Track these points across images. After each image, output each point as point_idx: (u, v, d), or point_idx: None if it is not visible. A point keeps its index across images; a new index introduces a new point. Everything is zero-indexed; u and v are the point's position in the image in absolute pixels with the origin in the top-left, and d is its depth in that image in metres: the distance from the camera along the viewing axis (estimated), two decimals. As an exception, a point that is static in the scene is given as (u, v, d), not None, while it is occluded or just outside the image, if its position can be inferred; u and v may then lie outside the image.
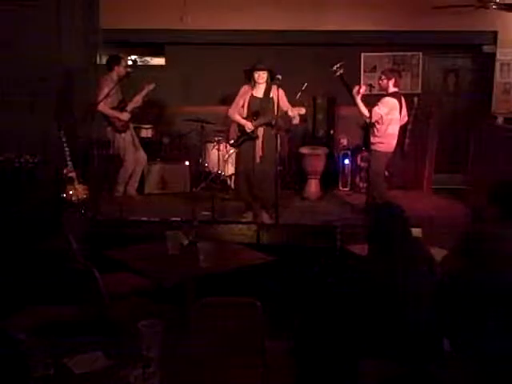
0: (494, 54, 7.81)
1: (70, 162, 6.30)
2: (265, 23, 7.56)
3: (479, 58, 8.08)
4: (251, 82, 5.78)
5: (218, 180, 7.08)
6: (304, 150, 7.18)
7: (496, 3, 6.66)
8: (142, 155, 6.89)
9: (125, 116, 6.57)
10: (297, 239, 5.71)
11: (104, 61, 7.51)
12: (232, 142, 6.04)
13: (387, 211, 3.04)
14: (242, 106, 5.84)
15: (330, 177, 7.53)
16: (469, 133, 7.25)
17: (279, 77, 5.62)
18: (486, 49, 7.90)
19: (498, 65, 7.82)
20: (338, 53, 7.26)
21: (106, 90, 6.29)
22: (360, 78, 8.03)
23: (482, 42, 7.88)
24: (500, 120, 7.26)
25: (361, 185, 7.47)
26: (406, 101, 6.17)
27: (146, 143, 7.14)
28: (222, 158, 7.05)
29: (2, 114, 6.91)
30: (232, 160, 7.13)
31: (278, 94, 5.59)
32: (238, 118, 5.85)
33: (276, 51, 7.29)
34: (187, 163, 7.41)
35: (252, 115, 5.78)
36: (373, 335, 2.79)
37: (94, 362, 2.28)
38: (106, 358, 2.30)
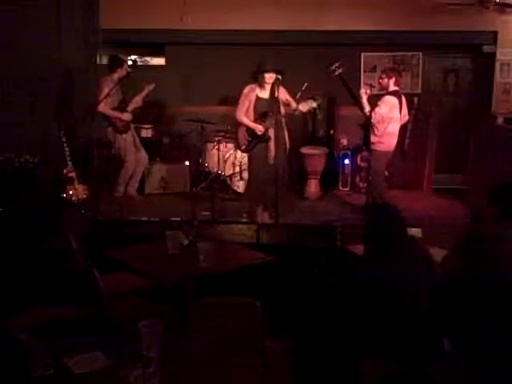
0: (494, 54, 7.81)
1: (69, 162, 6.30)
2: (265, 23, 7.56)
3: (479, 58, 8.08)
4: (259, 82, 5.71)
5: (218, 180, 7.08)
6: (304, 150, 7.18)
7: (496, 3, 6.66)
8: (144, 155, 6.89)
9: (126, 116, 6.57)
10: (297, 239, 5.71)
11: (104, 61, 7.51)
12: (243, 147, 5.93)
13: (383, 212, 3.04)
14: (248, 108, 5.81)
15: (330, 177, 7.53)
16: (469, 133, 7.25)
17: (279, 77, 5.62)
18: (486, 49, 7.90)
19: (497, 65, 7.82)
20: (337, 53, 7.25)
21: (106, 91, 6.29)
22: (360, 78, 8.04)
23: (482, 42, 7.88)
24: (500, 120, 7.26)
25: (361, 185, 7.47)
26: (406, 100, 6.17)
27: (146, 143, 7.14)
28: (221, 158, 7.04)
29: (2, 114, 6.91)
30: (232, 160, 7.14)
31: (280, 92, 5.59)
32: (246, 121, 5.77)
33: (276, 51, 7.27)
34: (187, 163, 7.41)
35: (260, 117, 5.75)
36: (373, 335, 2.79)
37: (94, 362, 2.28)
38: (106, 358, 2.30)
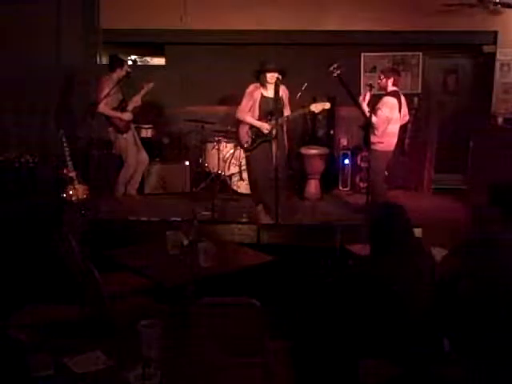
0: (494, 54, 7.81)
1: (69, 162, 6.31)
2: (265, 23, 7.56)
3: (479, 58, 8.08)
4: (261, 82, 5.71)
5: (218, 180, 7.08)
6: (304, 150, 7.18)
7: (496, 3, 6.67)
8: (144, 155, 6.89)
9: (126, 116, 6.56)
10: (297, 239, 5.71)
11: (104, 61, 7.51)
12: (247, 145, 5.91)
13: (388, 211, 3.04)
14: (252, 107, 5.80)
15: (330, 177, 7.53)
16: (469, 133, 7.25)
17: (279, 76, 5.61)
18: (486, 49, 7.89)
19: (497, 65, 7.82)
20: (338, 53, 7.26)
21: (106, 91, 6.29)
22: (360, 78, 8.04)
23: (482, 42, 7.88)
24: (500, 120, 7.27)
25: (361, 185, 7.48)
26: (405, 100, 6.17)
27: (146, 143, 7.14)
28: (221, 158, 7.04)
29: (2, 114, 6.92)
30: (232, 160, 7.13)
31: (282, 92, 5.61)
32: (250, 119, 5.76)
33: (276, 51, 7.29)
34: (187, 163, 7.41)
35: (265, 116, 5.73)
36: (373, 335, 2.78)
37: (94, 361, 2.28)
38: (106, 358, 2.30)
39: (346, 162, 7.65)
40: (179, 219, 5.71)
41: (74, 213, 6.04)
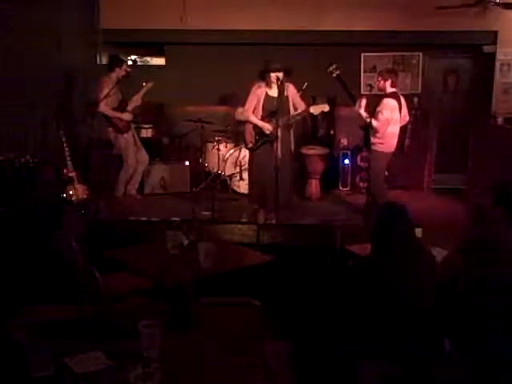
0: (494, 54, 7.81)
1: (69, 162, 6.31)
2: (265, 23, 7.57)
3: (479, 58, 8.08)
4: (266, 81, 5.71)
5: (218, 180, 7.08)
6: (304, 150, 7.18)
7: (496, 3, 6.66)
8: (144, 155, 6.89)
9: (127, 116, 6.56)
10: (297, 239, 5.71)
11: (104, 61, 7.52)
12: (250, 146, 5.91)
13: (390, 211, 3.04)
14: (256, 106, 5.78)
15: (330, 177, 7.53)
16: (469, 133, 7.25)
17: (279, 76, 5.61)
18: (486, 49, 7.90)
19: (497, 65, 7.82)
20: (338, 53, 7.27)
21: (105, 91, 6.29)
22: (360, 78, 8.04)
23: (481, 42, 7.88)
24: (500, 120, 7.27)
25: (361, 185, 7.48)
26: (405, 101, 6.17)
27: (146, 143, 7.14)
28: (221, 158, 7.04)
29: (2, 114, 6.92)
30: (232, 160, 7.13)
31: (290, 92, 5.63)
32: (254, 118, 5.76)
33: (276, 51, 7.29)
34: (187, 163, 7.41)
35: (269, 116, 5.72)
36: (373, 335, 2.78)
37: (94, 361, 2.28)
38: (106, 358, 2.30)
39: (346, 162, 7.65)
40: (179, 219, 5.70)
41: (73, 213, 6.04)
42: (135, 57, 7.80)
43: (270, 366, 2.52)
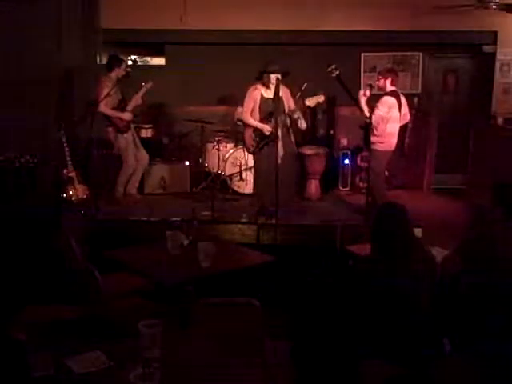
0: (494, 54, 7.81)
1: (69, 162, 6.30)
2: (265, 23, 7.56)
3: (479, 58, 8.08)
4: (264, 82, 5.73)
5: (218, 180, 7.08)
6: (304, 150, 7.18)
7: (496, 3, 6.66)
8: (144, 155, 6.88)
9: (127, 116, 6.55)
10: (297, 239, 5.71)
11: (104, 61, 7.51)
12: (252, 149, 5.92)
13: (389, 211, 3.04)
14: (253, 109, 5.80)
15: (330, 177, 7.53)
16: (469, 133, 7.25)
17: (279, 76, 5.63)
18: (486, 49, 7.90)
19: (498, 65, 7.82)
20: (338, 53, 7.27)
21: (105, 91, 6.29)
22: (360, 78, 8.04)
23: (482, 42, 7.88)
24: (500, 120, 7.27)
25: (361, 185, 7.48)
26: (406, 100, 6.17)
27: (146, 143, 7.14)
28: (221, 158, 7.04)
29: (2, 114, 6.91)
30: (232, 160, 7.13)
31: (284, 94, 5.66)
32: (253, 121, 5.79)
33: (276, 51, 7.29)
34: (187, 163, 7.41)
35: (266, 117, 5.74)
36: (373, 335, 2.78)
37: (94, 362, 2.28)
38: (106, 358, 2.30)
39: (346, 162, 7.65)
40: (179, 219, 5.71)
41: (73, 213, 6.04)
42: (135, 57, 7.79)
43: (269, 365, 2.52)
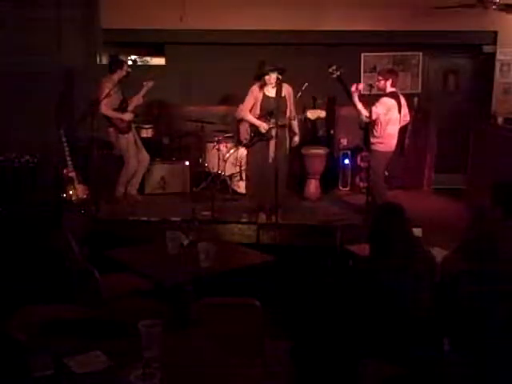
0: (494, 54, 7.81)
1: (70, 162, 6.30)
2: (265, 23, 7.56)
3: (479, 58, 8.08)
4: (263, 82, 5.76)
5: (218, 180, 7.08)
6: (304, 150, 7.18)
7: (496, 3, 6.66)
8: (145, 155, 6.87)
9: (128, 116, 6.55)
10: (297, 239, 5.71)
11: (104, 61, 7.52)
12: (245, 142, 6.00)
13: (387, 211, 3.04)
14: (253, 106, 5.81)
15: (330, 177, 7.53)
16: (469, 133, 7.25)
17: (279, 76, 5.64)
18: (486, 49, 7.90)
19: (498, 65, 7.82)
20: (338, 53, 7.27)
21: (106, 92, 6.28)
22: (360, 78, 8.03)
23: (482, 42, 7.88)
24: (500, 120, 7.26)
25: (361, 185, 7.48)
26: (405, 101, 6.17)
27: (146, 143, 7.14)
28: (221, 158, 7.04)
29: (2, 113, 6.92)
30: (232, 160, 7.13)
31: (287, 93, 5.73)
32: (251, 118, 5.82)
33: (276, 51, 7.29)
34: (187, 163, 7.41)
35: (266, 115, 5.76)
36: (373, 335, 2.78)
37: (94, 361, 2.28)
38: (106, 358, 2.30)
39: (346, 162, 7.65)
40: (179, 219, 5.71)
41: (73, 213, 6.04)
42: (135, 57, 7.80)
43: (269, 365, 2.53)
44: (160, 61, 8.40)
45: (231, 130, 7.35)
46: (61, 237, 3.97)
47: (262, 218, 5.98)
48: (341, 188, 7.67)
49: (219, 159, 7.01)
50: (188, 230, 3.92)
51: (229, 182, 7.18)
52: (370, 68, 8.15)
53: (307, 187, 7.18)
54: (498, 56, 7.80)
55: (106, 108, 6.33)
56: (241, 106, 6.17)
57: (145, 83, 6.58)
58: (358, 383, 2.77)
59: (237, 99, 6.82)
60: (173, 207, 6.54)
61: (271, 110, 5.71)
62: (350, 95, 5.82)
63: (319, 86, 6.41)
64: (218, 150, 7.01)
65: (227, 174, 7.15)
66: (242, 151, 7.01)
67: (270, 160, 5.70)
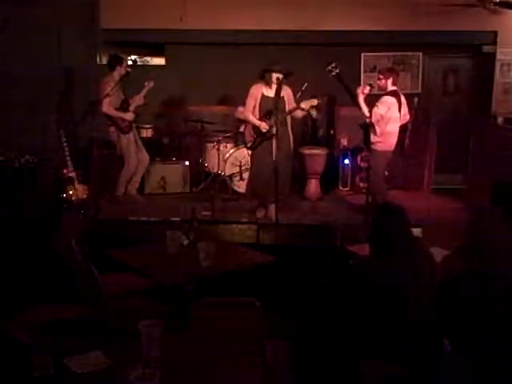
0: (494, 54, 7.81)
1: (69, 162, 6.30)
2: (265, 23, 7.56)
3: (479, 58, 8.08)
4: (266, 81, 5.78)
5: (218, 180, 7.08)
6: (304, 150, 7.18)
7: (496, 3, 6.67)
8: (145, 155, 6.87)
9: (129, 116, 6.55)
10: (297, 239, 5.71)
11: (104, 60, 7.51)
12: (249, 144, 6.01)
13: (386, 212, 3.04)
14: (254, 107, 5.85)
15: (330, 177, 7.53)
16: (469, 133, 7.25)
17: (279, 76, 5.64)
18: (486, 49, 7.90)
19: (498, 65, 7.82)
20: (338, 53, 7.26)
21: (108, 90, 6.28)
22: (360, 78, 8.03)
23: (482, 42, 7.88)
24: (500, 120, 7.26)
25: (361, 185, 7.47)
26: (406, 100, 6.17)
27: (146, 143, 7.14)
28: (221, 158, 7.05)
29: (2, 114, 6.92)
30: (232, 160, 7.14)
31: (286, 94, 5.74)
32: (252, 118, 5.85)
33: (276, 51, 7.29)
34: (187, 163, 7.41)
35: (265, 115, 5.79)
36: (373, 336, 2.79)
37: (94, 361, 2.28)
38: (106, 358, 2.30)
39: (346, 162, 7.65)
40: (179, 219, 5.71)
41: (73, 213, 6.04)
42: (135, 57, 7.79)
43: (269, 365, 2.53)
44: (160, 61, 8.41)
45: (231, 129, 7.36)
46: (61, 237, 3.98)
47: (262, 213, 5.99)
48: (341, 188, 7.67)
49: (219, 159, 7.01)
50: (188, 230, 3.92)
51: (229, 182, 7.19)
52: (369, 68, 8.15)
53: (307, 187, 7.19)
54: (498, 56, 7.79)
55: (107, 107, 6.33)
56: (241, 108, 6.18)
57: (146, 83, 6.59)
58: (357, 383, 2.77)
59: (237, 99, 6.83)
60: (173, 207, 6.54)
61: (270, 109, 5.73)
62: (352, 95, 5.83)
63: (319, 86, 6.39)
64: (218, 149, 7.02)
65: (227, 173, 7.15)
66: (242, 151, 7.01)
67: (274, 158, 5.72)
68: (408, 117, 6.28)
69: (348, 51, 7.70)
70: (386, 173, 6.42)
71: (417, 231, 3.93)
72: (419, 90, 8.12)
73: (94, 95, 6.42)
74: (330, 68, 5.74)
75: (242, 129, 6.99)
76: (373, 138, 5.93)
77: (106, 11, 7.46)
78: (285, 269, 4.63)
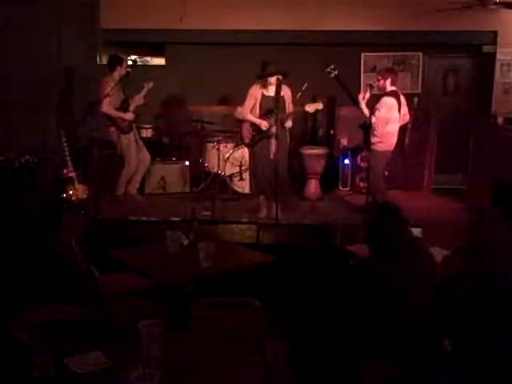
0: (494, 54, 7.81)
1: (69, 162, 6.30)
2: (265, 23, 7.56)
3: (479, 58, 8.08)
4: (264, 82, 5.81)
5: (218, 180, 7.08)
6: (304, 150, 7.18)
7: (496, 3, 6.67)
8: (146, 155, 6.87)
9: (129, 116, 6.55)
10: (297, 239, 5.71)
11: (104, 61, 7.51)
12: (247, 141, 6.06)
13: (382, 212, 3.04)
14: (253, 106, 5.88)
15: (330, 177, 7.53)
16: (469, 133, 7.25)
17: (280, 77, 5.66)
18: (486, 49, 7.90)
19: (498, 65, 7.82)
20: (338, 53, 7.28)
21: (108, 90, 6.28)
22: (360, 78, 8.04)
23: (482, 42, 7.88)
24: (500, 120, 7.27)
25: (361, 185, 7.48)
26: (405, 100, 6.17)
27: (146, 143, 7.14)
28: (221, 158, 7.05)
29: (2, 114, 6.92)
30: (232, 160, 7.14)
31: (286, 94, 5.77)
32: (251, 117, 5.90)
33: (276, 51, 7.29)
34: (187, 163, 7.41)
35: (265, 114, 5.82)
36: (373, 336, 2.79)
37: (94, 362, 2.28)
38: (106, 358, 2.30)
39: (346, 162, 7.65)
40: (179, 219, 5.71)
41: (73, 213, 6.04)
42: (135, 57, 7.79)
43: (269, 365, 2.53)
44: (160, 61, 8.41)
45: (231, 129, 7.36)
46: (61, 237, 3.98)
47: (265, 209, 6.01)
48: (341, 188, 7.67)
49: (219, 159, 7.01)
50: (188, 230, 3.92)
51: (229, 182, 7.19)
52: (370, 68, 8.15)
53: (307, 187, 7.19)
54: (498, 56, 7.80)
55: (107, 107, 6.33)
56: (239, 109, 6.21)
57: (145, 83, 6.59)
58: (357, 383, 2.77)
59: (237, 99, 6.82)
60: (173, 207, 6.54)
61: (270, 108, 5.75)
62: (350, 94, 5.84)
63: (319, 86, 6.40)
64: (218, 149, 7.02)
65: (227, 173, 7.16)
66: (242, 151, 7.02)
67: (272, 157, 5.75)
68: (408, 117, 6.29)
69: (348, 51, 7.71)
70: (386, 173, 6.42)
71: (417, 231, 3.94)
72: (419, 90, 8.11)
73: (94, 95, 6.42)
74: (328, 70, 5.77)
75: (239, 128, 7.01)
76: (373, 139, 5.93)
77: (106, 11, 7.46)
78: (285, 269, 4.63)
